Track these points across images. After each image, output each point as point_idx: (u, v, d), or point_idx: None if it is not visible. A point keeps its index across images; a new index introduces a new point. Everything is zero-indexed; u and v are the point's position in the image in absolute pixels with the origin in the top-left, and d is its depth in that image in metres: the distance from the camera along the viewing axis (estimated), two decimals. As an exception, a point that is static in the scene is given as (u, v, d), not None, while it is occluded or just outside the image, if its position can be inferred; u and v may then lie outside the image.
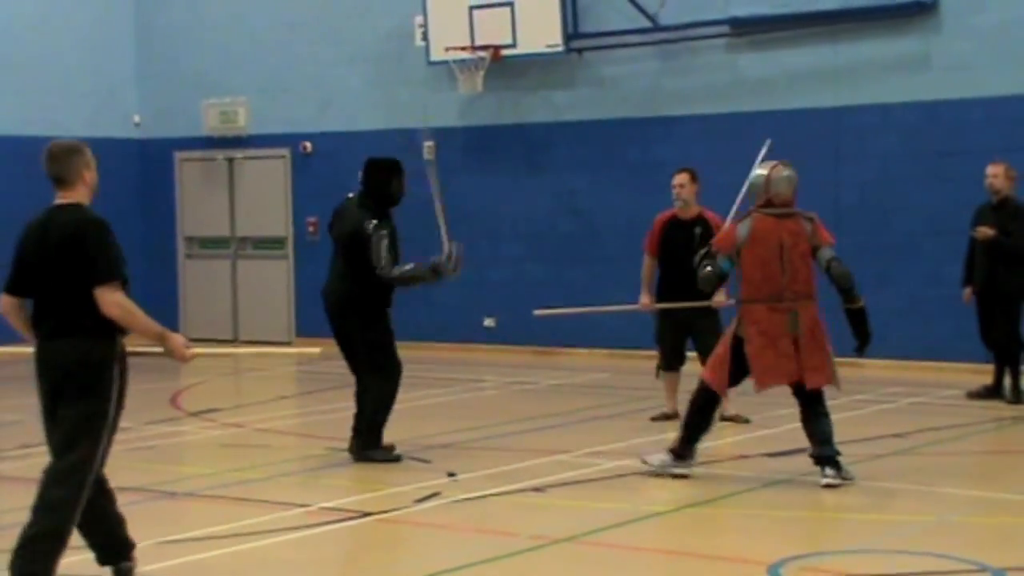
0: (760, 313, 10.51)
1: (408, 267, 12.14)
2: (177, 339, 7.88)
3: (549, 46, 19.48)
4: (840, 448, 10.63)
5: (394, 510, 10.09)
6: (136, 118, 23.38)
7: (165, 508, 10.65)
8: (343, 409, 14.77)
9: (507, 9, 19.59)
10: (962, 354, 16.14)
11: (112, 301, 7.55)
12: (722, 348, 10.76)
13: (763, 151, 11.54)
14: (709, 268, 10.80)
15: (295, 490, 11.14)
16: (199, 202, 22.77)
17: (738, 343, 10.58)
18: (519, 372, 17.90)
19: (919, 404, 14.65)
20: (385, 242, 11.98)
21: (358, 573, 8.98)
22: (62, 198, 7.89)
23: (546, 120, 20.00)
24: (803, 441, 10.94)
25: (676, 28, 18.81)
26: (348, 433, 12.71)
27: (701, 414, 10.78)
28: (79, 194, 7.92)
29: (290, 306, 22.29)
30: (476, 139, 20.48)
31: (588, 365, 18.62)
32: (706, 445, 11.84)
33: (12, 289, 7.91)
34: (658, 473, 10.84)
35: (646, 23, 18.97)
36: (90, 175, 8.01)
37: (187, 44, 23.02)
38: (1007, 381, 14.52)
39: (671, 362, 13.47)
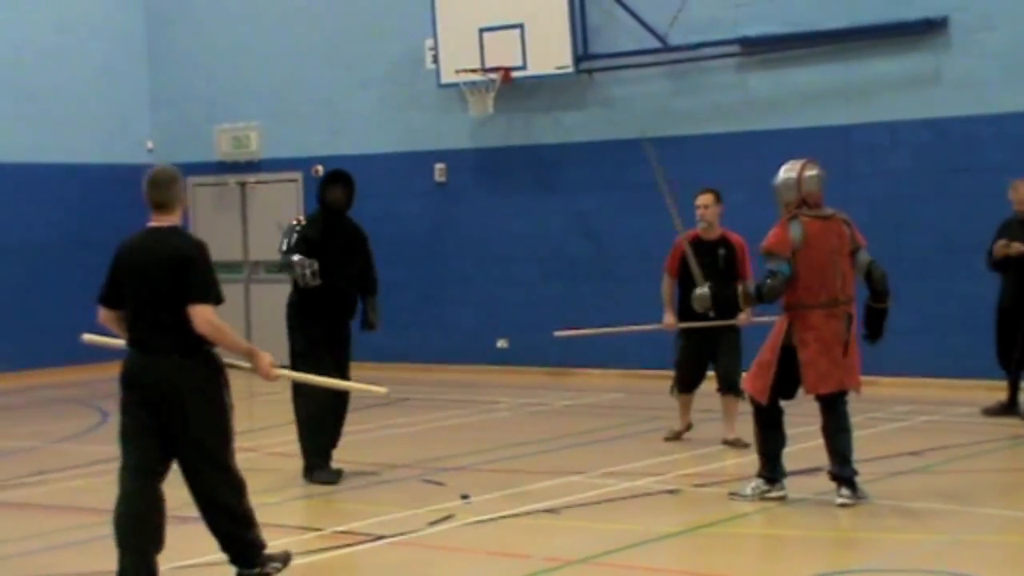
0: (818, 319, 10.38)
1: (288, 255, 12.30)
2: (265, 357, 8.43)
3: (559, 67, 19.50)
4: (857, 467, 10.58)
5: (408, 533, 10.03)
6: (149, 144, 23.40)
7: (178, 533, 10.56)
8: (356, 432, 14.79)
9: (517, 31, 19.60)
10: (975, 371, 16.07)
11: (204, 319, 8.09)
12: (767, 356, 10.54)
13: None
14: (772, 276, 10.42)
15: (308, 514, 11.17)
16: (212, 226, 22.72)
17: (787, 352, 10.45)
18: (533, 393, 17.87)
19: (933, 422, 14.61)
20: (294, 235, 12.26)
21: None
22: (159, 221, 8.40)
23: (557, 141, 19.99)
24: (815, 460, 10.91)
25: (686, 48, 18.84)
26: (367, 456, 12.73)
27: (768, 430, 10.65)
28: (176, 218, 8.44)
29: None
30: (487, 161, 20.48)
31: (601, 386, 18.58)
32: (721, 465, 11.85)
33: (109, 303, 8.45)
34: (755, 500, 10.64)
35: (656, 44, 19.00)
36: (183, 202, 8.57)
37: (199, 70, 23.10)
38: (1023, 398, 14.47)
39: (689, 384, 13.36)
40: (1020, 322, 14.32)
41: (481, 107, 20.03)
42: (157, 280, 8.20)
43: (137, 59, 23.40)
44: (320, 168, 21.97)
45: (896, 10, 17.55)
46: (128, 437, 8.43)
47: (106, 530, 10.43)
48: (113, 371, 20.71)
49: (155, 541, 8.45)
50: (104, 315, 8.51)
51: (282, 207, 22.31)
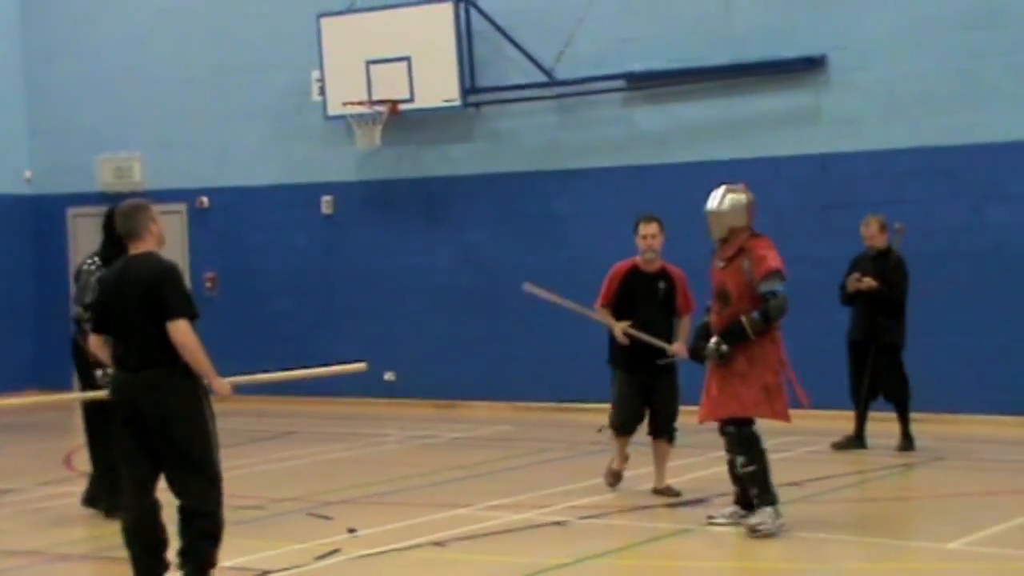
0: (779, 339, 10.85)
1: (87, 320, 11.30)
2: (222, 383, 9.03)
3: (446, 100, 19.54)
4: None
5: (294, 568, 9.98)
6: (28, 173, 23.17)
7: (58, 571, 10.53)
8: (241, 467, 14.72)
9: (404, 64, 19.62)
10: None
11: (181, 331, 8.65)
12: (771, 378, 10.65)
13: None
14: (774, 297, 10.56)
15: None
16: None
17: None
18: (420, 426, 17.87)
19: (814, 452, 14.73)
20: (92, 281, 11.33)
21: None
22: (134, 249, 8.95)
23: (445, 174, 20.02)
24: (702, 490, 11.03)
25: (573, 83, 18.94)
26: (252, 491, 12.64)
27: (758, 454, 10.61)
28: (148, 244, 8.94)
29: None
30: (375, 193, 20.47)
31: (489, 418, 18.56)
32: (609, 496, 11.90)
33: (99, 329, 9.04)
34: (775, 531, 10.45)
35: (543, 78, 19.11)
36: (156, 227, 9.03)
37: (80, 98, 22.86)
38: (899, 428, 14.65)
39: (629, 426, 12.37)
40: (869, 356, 14.56)
41: (368, 139, 20.02)
42: (134, 301, 8.72)
43: (15, 87, 23.16)
44: (205, 200, 21.96)
45: (777, 48, 17.76)
46: (123, 452, 8.95)
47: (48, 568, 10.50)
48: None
49: (162, 542, 8.92)
50: (94, 341, 9.09)
51: (167, 239, 22.19)
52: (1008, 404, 16.56)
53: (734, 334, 10.52)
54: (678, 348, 12.08)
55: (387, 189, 20.31)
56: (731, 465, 10.74)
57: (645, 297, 12.18)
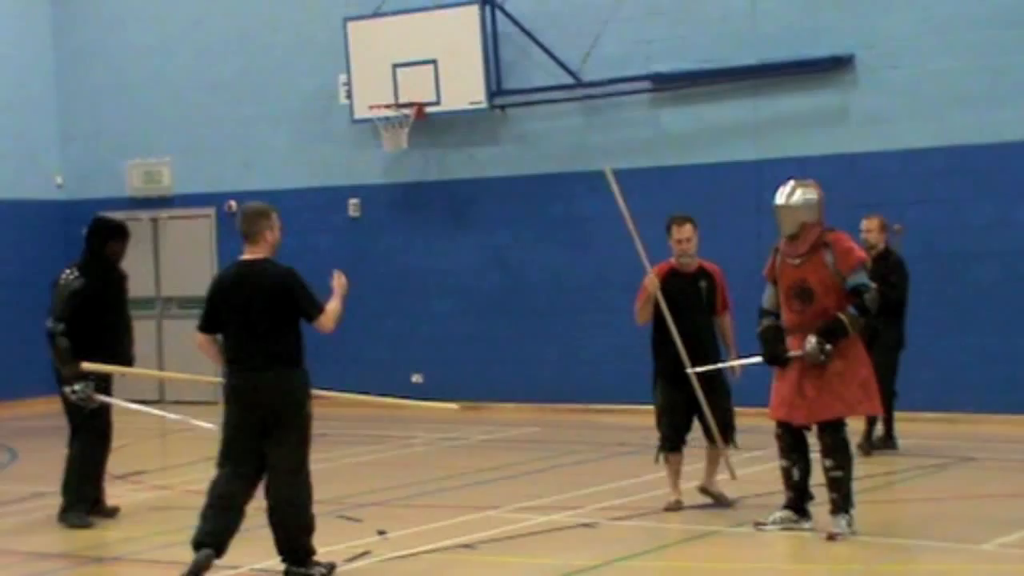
0: None
1: (65, 342, 11.40)
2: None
3: (472, 103, 19.56)
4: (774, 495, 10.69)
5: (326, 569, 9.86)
6: (59, 179, 23.25)
7: (92, 574, 10.54)
8: (271, 468, 14.70)
9: (430, 67, 19.65)
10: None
11: (327, 325, 9.52)
12: (865, 371, 10.38)
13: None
14: (868, 291, 10.20)
15: (229, 551, 11.04)
16: (123, 263, 22.59)
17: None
18: (448, 428, 17.84)
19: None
20: (67, 295, 11.51)
21: None
22: (251, 253, 9.44)
23: (471, 176, 20.02)
24: (740, 490, 11.04)
25: (599, 84, 18.96)
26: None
27: (848, 459, 10.34)
28: (262, 249, 9.43)
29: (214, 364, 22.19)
30: (401, 196, 20.48)
31: (516, 420, 18.52)
32: (637, 498, 11.84)
33: (206, 329, 9.47)
34: (853, 533, 10.26)
35: (569, 80, 19.12)
36: (272, 235, 9.49)
37: (110, 105, 22.94)
38: (880, 428, 14.48)
39: (676, 442, 11.65)
40: (874, 358, 14.14)
41: (395, 142, 20.02)
42: (258, 306, 9.24)
43: (47, 93, 23.23)
44: (233, 203, 21.94)
45: (804, 48, 17.73)
46: (230, 445, 9.39)
47: (23, 570, 10.55)
48: (19, 412, 20.71)
49: (229, 525, 9.38)
50: (201, 340, 9.49)
51: (195, 242, 22.24)
52: None
53: (836, 332, 10.07)
54: (735, 368, 11.60)
55: (413, 192, 20.31)
56: (787, 471, 10.51)
57: (688, 300, 11.55)
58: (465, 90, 19.56)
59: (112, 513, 12.05)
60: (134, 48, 22.74)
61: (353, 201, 20.84)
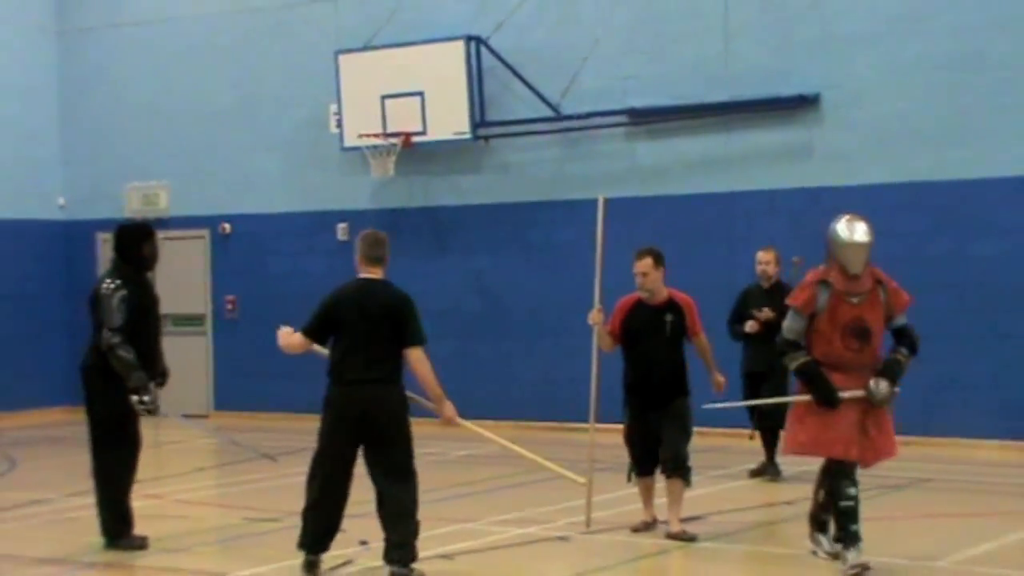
0: None
1: (128, 352, 10.72)
2: (450, 406, 9.82)
3: (457, 133, 19.59)
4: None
5: None
6: (61, 200, 23.24)
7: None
8: (262, 480, 14.73)
9: (417, 99, 19.69)
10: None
11: (418, 358, 9.48)
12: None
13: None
14: (913, 328, 9.88)
15: (214, 559, 11.05)
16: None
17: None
18: (428, 444, 17.67)
19: (805, 472, 14.64)
20: (116, 303, 10.79)
21: None
22: (371, 273, 9.68)
23: (454, 203, 20.06)
24: (701, 509, 10.98)
25: (577, 117, 18.98)
26: (269, 504, 12.56)
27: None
28: (381, 272, 9.71)
29: (209, 380, 22.22)
30: (387, 221, 20.35)
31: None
32: (609, 512, 11.81)
33: (311, 334, 9.62)
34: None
35: (549, 113, 19.13)
36: (387, 260, 9.80)
37: (111, 129, 22.94)
38: (766, 454, 14.33)
39: (645, 466, 11.36)
40: (763, 384, 13.97)
41: (382, 170, 20.05)
42: (379, 323, 9.40)
43: (50, 119, 23.22)
44: (227, 226, 21.97)
45: (773, 86, 17.80)
46: (330, 455, 9.52)
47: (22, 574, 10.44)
48: (20, 423, 20.54)
49: (332, 531, 9.65)
50: (298, 340, 9.61)
51: (190, 262, 22.22)
52: (991, 429, 16.57)
53: (899, 374, 9.70)
54: (717, 380, 11.51)
55: (399, 217, 20.30)
56: (833, 495, 9.84)
57: (650, 331, 11.18)
58: (450, 121, 19.59)
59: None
60: (134, 77, 22.75)
61: (342, 225, 20.84)
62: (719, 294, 14.74)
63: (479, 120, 19.56)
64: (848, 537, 9.59)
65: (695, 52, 18.33)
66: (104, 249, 22.53)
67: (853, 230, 9.82)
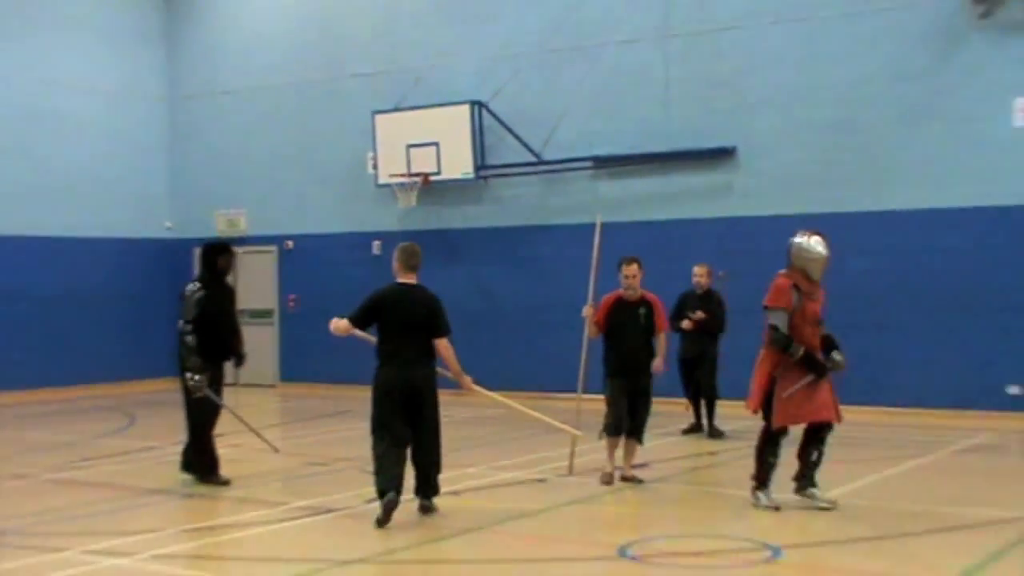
0: None
1: (192, 340, 10.86)
2: (468, 379, 9.78)
3: (464, 174, 19.65)
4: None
5: (348, 508, 10.06)
6: (168, 223, 23.33)
7: (183, 504, 10.62)
8: (315, 435, 14.77)
9: (434, 147, 19.74)
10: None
11: (445, 345, 9.43)
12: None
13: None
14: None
15: (279, 493, 11.11)
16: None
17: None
18: (442, 408, 17.75)
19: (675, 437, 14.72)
20: (191, 302, 10.97)
21: (327, 549, 8.70)
22: (407, 279, 9.51)
23: (461, 227, 20.09)
24: (646, 458, 11.02)
25: (554, 162, 19.04)
26: (320, 453, 12.50)
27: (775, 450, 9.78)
28: (415, 277, 9.50)
29: (276, 358, 22.34)
30: (410, 240, 20.48)
31: (492, 403, 18.44)
32: (578, 461, 11.83)
33: (356, 322, 9.42)
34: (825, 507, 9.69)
35: (533, 159, 19.19)
36: (418, 267, 9.59)
37: (205, 171, 23.08)
38: (706, 422, 14.34)
39: (617, 428, 11.06)
40: (696, 369, 14.27)
41: (407, 201, 20.12)
42: (419, 318, 9.27)
43: (160, 162, 23.34)
44: (290, 243, 22.07)
45: (701, 140, 17.85)
46: (384, 421, 9.24)
47: (137, 501, 10.57)
48: (133, 389, 20.47)
49: (402, 474, 9.23)
50: (346, 326, 9.37)
51: (262, 270, 22.34)
52: (861, 398, 16.42)
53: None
54: (657, 364, 11.12)
55: (419, 237, 19.73)
56: (810, 452, 9.79)
57: (628, 322, 11.03)
58: (458, 165, 19.66)
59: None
60: (223, 131, 22.87)
61: (376, 242, 20.91)
62: (661, 299, 14.74)
63: (480, 164, 19.61)
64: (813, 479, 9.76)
65: (643, 114, 18.39)
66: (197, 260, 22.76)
67: (822, 245, 9.78)
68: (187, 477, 11.40)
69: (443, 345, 9.39)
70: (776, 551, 8.37)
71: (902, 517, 9.50)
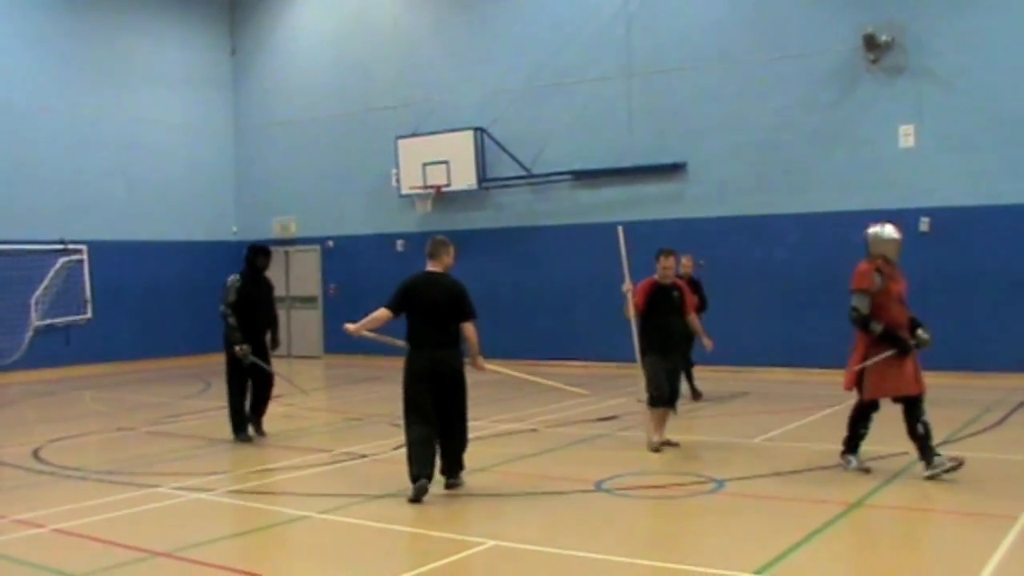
0: None
1: (232, 319, 10.70)
2: (482, 359, 8.44)
3: (469, 185, 19.61)
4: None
5: (379, 454, 10.06)
6: (234, 228, 23.30)
7: (232, 447, 10.59)
8: (350, 395, 14.82)
9: (445, 165, 19.72)
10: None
11: (471, 328, 8.18)
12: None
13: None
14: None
15: (321, 442, 11.09)
16: (271, 276, 22.73)
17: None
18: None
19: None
20: (231, 290, 10.78)
21: (363, 486, 8.57)
22: (433, 267, 8.36)
23: (467, 228, 20.00)
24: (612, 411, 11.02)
25: (542, 175, 19.02)
26: (354, 410, 12.51)
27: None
28: (440, 265, 8.34)
29: (320, 335, 22.32)
30: (427, 240, 20.50)
31: (492, 369, 18.36)
32: (568, 414, 11.88)
33: (393, 308, 8.20)
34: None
35: (524, 172, 19.17)
36: (447, 259, 8.41)
37: (264, 185, 23.02)
38: (687, 385, 13.66)
39: (660, 400, 10.03)
40: (686, 344, 12.82)
41: (424, 208, 20.16)
42: (445, 303, 8.14)
43: (228, 178, 23.32)
44: (331, 243, 22.13)
45: (659, 157, 17.82)
46: (414, 405, 8.08)
47: (214, 448, 10.61)
48: (208, 360, 20.57)
49: (433, 460, 8.13)
50: (384, 313, 8.18)
51: (308, 265, 22.40)
52: (782, 360, 16.61)
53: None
54: (707, 343, 10.53)
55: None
56: (915, 427, 8.47)
57: (665, 302, 10.02)
58: (465, 178, 19.63)
59: (262, 434, 11.16)
60: (277, 153, 22.83)
61: (400, 242, 20.98)
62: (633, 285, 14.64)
63: (482, 177, 19.58)
64: (931, 449, 8.40)
65: (612, 137, 18.35)
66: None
67: (894, 230, 8.66)
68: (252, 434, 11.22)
69: (468, 328, 8.18)
70: (720, 483, 8.45)
71: (818, 455, 9.55)
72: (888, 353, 8.38)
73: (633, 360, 10.11)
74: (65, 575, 6.38)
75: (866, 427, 8.72)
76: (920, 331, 8.50)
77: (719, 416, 11.82)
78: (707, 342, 10.73)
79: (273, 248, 21.93)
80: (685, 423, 11.64)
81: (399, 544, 7.03)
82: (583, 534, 7.04)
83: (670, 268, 10.09)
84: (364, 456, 10.04)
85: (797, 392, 14.51)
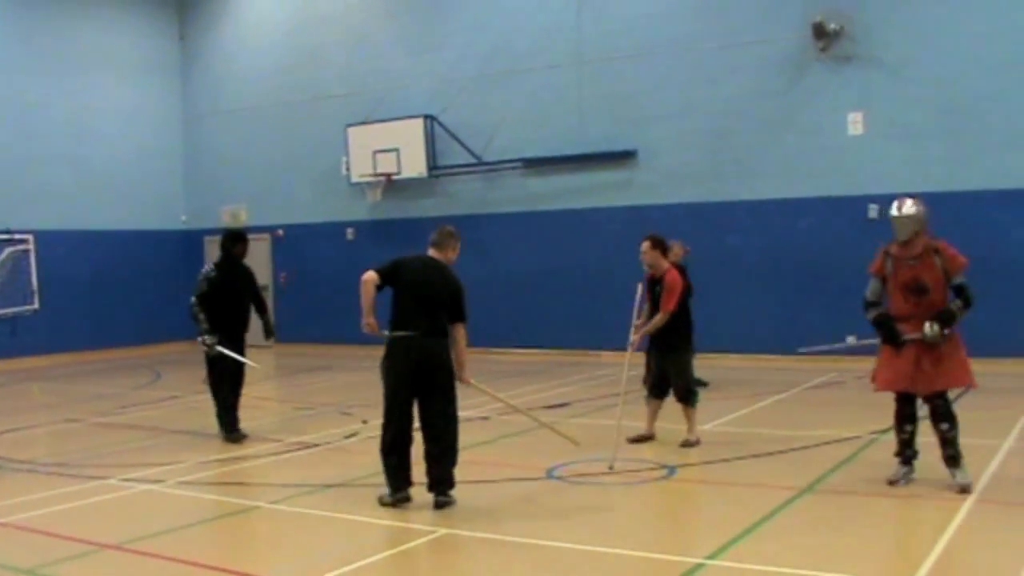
0: None
1: (198, 311, 10.22)
2: (468, 372, 7.56)
3: (419, 173, 19.53)
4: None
5: (332, 442, 10.10)
6: (183, 217, 23.07)
7: (195, 442, 10.55)
8: (301, 385, 14.75)
9: (395, 153, 19.64)
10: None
11: (463, 333, 7.47)
12: (964, 353, 7.68)
13: None
14: (969, 286, 7.56)
15: (274, 430, 11.08)
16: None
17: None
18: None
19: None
20: (203, 279, 10.32)
21: (315, 475, 8.63)
22: (436, 254, 7.65)
23: (417, 216, 19.93)
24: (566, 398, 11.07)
25: (492, 163, 18.98)
26: (305, 399, 12.48)
27: (956, 422, 7.69)
28: (445, 256, 7.64)
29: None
30: (377, 228, 20.53)
31: (501, 360, 18.31)
32: (548, 395, 11.91)
33: (382, 275, 7.44)
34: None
35: (474, 160, 19.12)
36: (452, 253, 7.71)
37: (213, 174, 22.79)
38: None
39: (651, 390, 9.83)
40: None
41: (374, 196, 20.04)
42: (442, 291, 7.42)
43: (176, 167, 23.03)
44: (281, 231, 21.96)
45: (609, 144, 17.83)
46: (392, 401, 7.37)
47: (164, 439, 10.51)
48: (158, 350, 20.37)
49: (409, 467, 7.48)
50: (371, 276, 7.43)
51: (260, 254, 22.21)
52: (736, 347, 16.70)
53: (950, 321, 7.43)
54: (633, 340, 9.36)
55: (385, 225, 20.35)
56: (911, 435, 7.82)
57: (651, 297, 9.51)
58: (415, 166, 19.52)
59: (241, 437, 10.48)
60: (226, 143, 22.61)
61: (350, 230, 20.88)
62: (573, 280, 14.62)
63: (433, 165, 19.50)
64: (957, 454, 7.63)
65: (563, 124, 18.33)
66: (209, 248, 22.62)
67: (898, 207, 7.66)
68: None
69: (460, 331, 7.43)
70: (671, 470, 8.50)
71: (769, 440, 9.66)
72: (861, 343, 7.95)
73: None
74: (11, 569, 6.26)
75: (902, 430, 7.78)
76: (926, 326, 7.49)
77: (670, 403, 11.88)
78: (635, 338, 9.44)
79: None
80: (640, 410, 11.72)
81: (349, 533, 7.01)
82: (534, 522, 7.06)
83: (644, 257, 9.38)
84: (315, 445, 10.05)
85: (748, 378, 14.57)
